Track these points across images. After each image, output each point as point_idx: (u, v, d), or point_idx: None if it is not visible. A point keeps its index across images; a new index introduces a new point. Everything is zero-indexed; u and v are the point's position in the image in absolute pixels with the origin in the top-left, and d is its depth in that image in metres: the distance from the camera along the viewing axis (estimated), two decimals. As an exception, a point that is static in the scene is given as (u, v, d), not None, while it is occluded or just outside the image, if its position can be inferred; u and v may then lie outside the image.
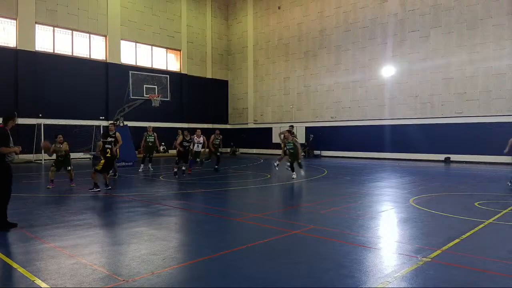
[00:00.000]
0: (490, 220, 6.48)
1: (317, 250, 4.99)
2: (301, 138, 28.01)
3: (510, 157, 19.38)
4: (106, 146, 10.30)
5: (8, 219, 6.05)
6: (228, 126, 33.42)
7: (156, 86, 19.09)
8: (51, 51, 23.03)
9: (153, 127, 16.99)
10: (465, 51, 20.91)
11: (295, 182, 12.76)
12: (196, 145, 14.50)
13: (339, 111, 26.29)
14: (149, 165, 15.92)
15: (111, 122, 10.90)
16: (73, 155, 22.53)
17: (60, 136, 11.13)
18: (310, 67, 27.60)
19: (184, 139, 13.76)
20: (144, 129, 25.94)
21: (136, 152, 17.90)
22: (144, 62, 27.60)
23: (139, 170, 15.43)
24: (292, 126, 15.38)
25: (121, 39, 26.08)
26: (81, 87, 23.80)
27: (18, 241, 5.33)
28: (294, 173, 12.82)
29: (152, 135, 15.95)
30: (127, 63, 26.10)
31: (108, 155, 10.24)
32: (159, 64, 28.60)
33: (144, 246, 5.07)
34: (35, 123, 21.29)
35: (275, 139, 29.91)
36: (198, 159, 15.16)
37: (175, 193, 10.13)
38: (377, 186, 11.17)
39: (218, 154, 15.82)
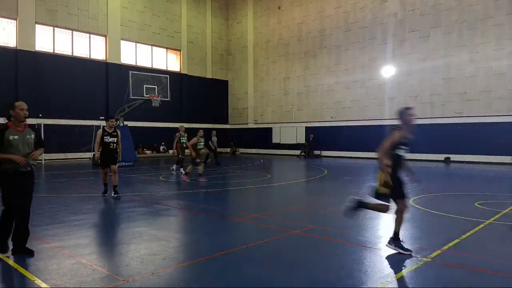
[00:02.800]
0: (490, 220, 6.48)
1: (317, 250, 4.99)
2: (301, 138, 28.07)
3: (510, 157, 19.45)
4: (109, 140, 8.87)
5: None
6: (228, 126, 33.42)
7: (156, 86, 19.11)
8: (51, 51, 23.02)
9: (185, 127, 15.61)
10: (465, 51, 20.91)
11: (295, 182, 12.77)
12: None
13: (339, 111, 26.29)
14: (181, 169, 14.22)
15: (111, 117, 9.28)
16: (73, 155, 22.89)
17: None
18: (310, 67, 27.59)
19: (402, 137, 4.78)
20: (145, 129, 26.25)
21: (171, 152, 15.51)
22: (144, 62, 27.59)
23: (181, 172, 13.86)
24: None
25: (121, 39, 26.07)
26: (81, 87, 23.81)
27: (18, 241, 5.32)
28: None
29: (185, 135, 14.54)
30: (127, 63, 26.09)
31: (111, 147, 8.86)
32: (159, 64, 28.60)
33: (144, 246, 5.07)
34: (35, 123, 21.26)
35: (275, 139, 29.99)
36: None
37: (175, 193, 10.13)
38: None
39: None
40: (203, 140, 13.83)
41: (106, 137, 8.88)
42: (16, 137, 4.44)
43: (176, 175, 13.97)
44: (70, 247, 4.93)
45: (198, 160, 13.67)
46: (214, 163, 18.30)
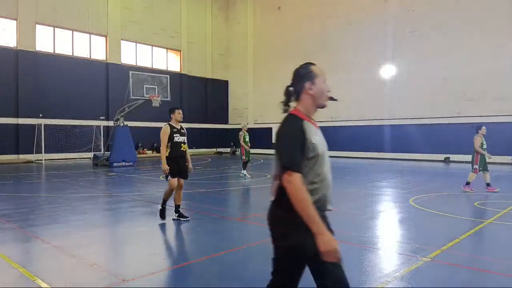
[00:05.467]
0: (490, 220, 6.48)
1: (317, 250, 4.98)
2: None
3: (510, 157, 19.45)
4: (179, 139, 6.52)
5: None
6: (228, 126, 33.41)
7: (156, 86, 19.11)
8: (52, 51, 23.04)
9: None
10: (464, 51, 20.91)
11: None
12: None
13: (339, 111, 26.29)
14: (244, 170, 13.31)
15: (177, 108, 7.05)
16: (72, 155, 22.90)
17: None
18: (310, 67, 27.55)
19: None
20: (145, 129, 26.25)
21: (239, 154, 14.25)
22: (144, 62, 27.61)
23: (249, 177, 13.08)
24: None
25: (121, 39, 26.09)
26: (81, 88, 23.82)
27: (18, 241, 5.34)
28: None
29: (247, 134, 13.53)
30: (127, 63, 26.11)
31: (182, 149, 6.54)
32: (159, 64, 28.61)
33: (145, 246, 5.07)
34: (35, 123, 21.31)
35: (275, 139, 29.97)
36: None
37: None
38: (377, 186, 11.17)
39: None
40: (248, 135, 13.45)
41: (176, 135, 6.45)
42: (317, 138, 2.17)
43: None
44: (70, 247, 4.94)
45: (244, 159, 13.12)
46: None
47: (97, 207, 8.12)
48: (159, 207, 6.54)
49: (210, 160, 23.31)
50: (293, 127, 2.12)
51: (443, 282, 3.81)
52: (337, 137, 25.96)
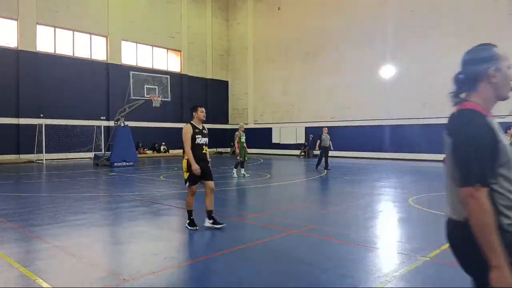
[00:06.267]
0: (490, 220, 6.48)
1: (316, 249, 5.00)
2: (301, 138, 28.09)
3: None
4: (201, 141, 5.95)
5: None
6: (228, 126, 33.43)
7: (156, 87, 19.12)
8: (52, 51, 23.06)
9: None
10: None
11: (295, 182, 12.79)
12: None
13: (339, 111, 26.30)
14: (242, 170, 13.47)
15: (200, 106, 6.22)
16: (73, 155, 22.93)
17: None
18: (310, 67, 27.60)
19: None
20: (146, 129, 26.28)
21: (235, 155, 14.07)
22: (144, 63, 27.63)
23: (247, 175, 13.28)
24: None
25: (122, 40, 26.11)
26: (82, 88, 23.84)
27: (19, 241, 5.35)
28: None
29: (244, 134, 13.52)
30: (127, 64, 26.12)
31: (204, 151, 5.99)
32: (160, 65, 28.63)
33: (145, 246, 5.09)
34: (36, 123, 21.33)
35: (275, 139, 30.03)
36: None
37: (175, 193, 10.15)
38: (377, 186, 11.18)
39: None
40: (244, 135, 13.43)
41: (198, 136, 5.88)
42: (503, 136, 2.02)
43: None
44: (71, 247, 4.96)
45: (239, 158, 13.20)
46: (319, 166, 16.16)
47: (98, 207, 8.13)
48: (187, 220, 5.90)
49: (210, 160, 23.28)
50: (479, 127, 1.73)
51: (442, 282, 3.83)
52: (337, 137, 25.97)
